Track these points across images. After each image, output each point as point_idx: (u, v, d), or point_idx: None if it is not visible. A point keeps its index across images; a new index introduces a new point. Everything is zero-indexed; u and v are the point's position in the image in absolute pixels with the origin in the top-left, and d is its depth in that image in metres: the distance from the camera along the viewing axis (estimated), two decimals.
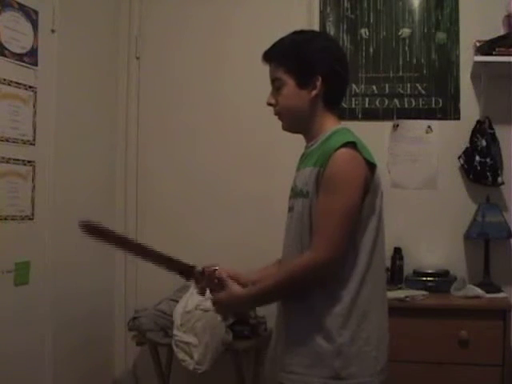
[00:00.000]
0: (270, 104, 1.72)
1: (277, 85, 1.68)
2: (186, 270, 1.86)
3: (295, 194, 1.69)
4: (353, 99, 3.08)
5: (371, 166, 1.57)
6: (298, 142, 3.04)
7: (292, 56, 1.67)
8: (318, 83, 1.63)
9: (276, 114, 1.74)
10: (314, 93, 1.64)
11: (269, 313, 2.93)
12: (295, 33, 1.73)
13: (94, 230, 1.72)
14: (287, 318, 1.66)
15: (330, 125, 1.68)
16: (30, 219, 2.55)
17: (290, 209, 1.71)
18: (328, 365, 1.54)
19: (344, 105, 3.08)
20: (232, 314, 1.71)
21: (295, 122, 1.71)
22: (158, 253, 1.79)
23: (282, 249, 1.76)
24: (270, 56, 1.72)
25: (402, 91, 3.05)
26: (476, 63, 2.79)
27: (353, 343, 1.54)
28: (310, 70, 1.64)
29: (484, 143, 2.84)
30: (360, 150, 1.56)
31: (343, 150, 1.54)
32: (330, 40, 1.82)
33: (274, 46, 1.73)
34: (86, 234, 1.69)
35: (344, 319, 1.54)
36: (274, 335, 1.81)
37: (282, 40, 1.73)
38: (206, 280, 1.84)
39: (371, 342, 1.56)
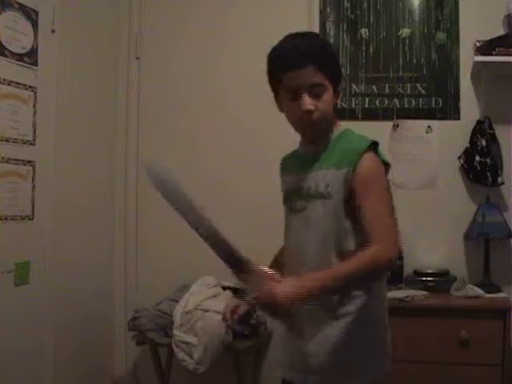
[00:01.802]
0: (310, 111, 1.61)
1: (317, 90, 1.61)
2: (236, 260, 1.79)
3: (308, 195, 1.66)
4: (353, 99, 3.08)
5: (387, 167, 1.65)
6: (297, 143, 3.06)
7: (332, 61, 1.66)
8: (340, 89, 1.71)
9: (315, 119, 1.63)
10: (338, 98, 1.70)
11: None
12: (316, 35, 1.73)
13: (160, 184, 1.70)
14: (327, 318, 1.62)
15: (337, 128, 1.72)
16: (30, 219, 2.55)
17: (299, 210, 1.69)
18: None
19: (344, 105, 3.08)
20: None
21: (325, 128, 1.68)
22: (215, 231, 1.79)
23: (288, 249, 1.77)
24: (310, 59, 1.60)
25: (401, 91, 3.05)
26: (476, 63, 2.79)
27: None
28: (340, 77, 1.71)
29: (484, 143, 2.84)
30: (380, 152, 1.64)
31: (374, 156, 1.60)
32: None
33: (308, 49, 1.62)
34: (148, 179, 1.65)
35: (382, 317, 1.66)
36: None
37: (313, 43, 1.66)
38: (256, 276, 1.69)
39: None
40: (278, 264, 1.87)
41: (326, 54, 1.65)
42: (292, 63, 1.61)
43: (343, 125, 1.76)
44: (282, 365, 1.76)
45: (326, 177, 1.62)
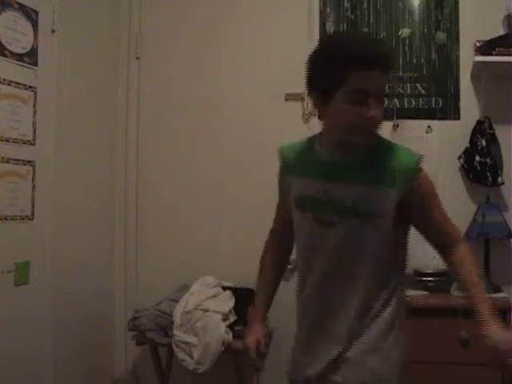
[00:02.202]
0: (375, 118, 1.53)
1: (382, 97, 1.56)
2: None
3: (345, 210, 1.55)
4: None
5: None
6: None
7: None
8: None
9: (375, 128, 1.58)
10: None
11: (269, 313, 2.94)
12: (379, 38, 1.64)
13: None
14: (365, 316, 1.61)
15: None
16: (29, 219, 2.55)
17: (330, 225, 1.58)
18: None
19: None
20: None
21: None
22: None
23: (314, 263, 1.63)
24: (390, 65, 1.53)
25: (401, 91, 3.05)
26: (476, 63, 2.79)
27: None
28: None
29: (484, 143, 2.84)
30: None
31: (424, 172, 1.60)
32: None
33: (388, 54, 1.53)
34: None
35: None
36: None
37: (385, 47, 1.59)
38: None
39: None
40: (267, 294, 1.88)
41: (392, 61, 1.57)
42: (372, 64, 1.47)
43: None
44: (295, 366, 1.74)
45: (373, 194, 1.54)
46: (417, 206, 1.58)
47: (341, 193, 1.56)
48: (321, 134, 1.65)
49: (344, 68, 1.48)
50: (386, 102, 3.07)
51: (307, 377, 1.67)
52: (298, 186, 1.67)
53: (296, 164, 1.71)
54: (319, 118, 1.61)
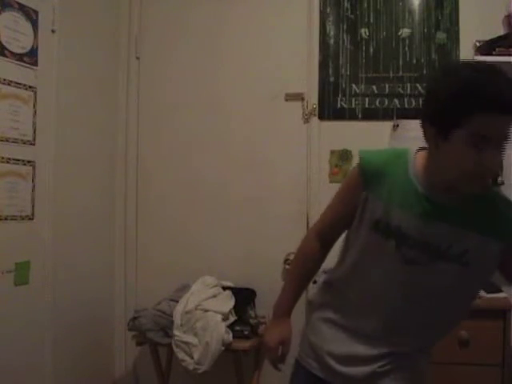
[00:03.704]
0: (495, 168, 1.36)
1: (505, 145, 1.35)
2: None
3: (434, 251, 1.46)
4: (353, 99, 3.08)
5: None
6: (297, 145, 3.07)
7: None
8: None
9: (490, 177, 1.43)
10: None
11: (269, 313, 2.94)
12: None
13: None
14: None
15: None
16: (30, 219, 2.55)
17: (414, 262, 1.47)
18: None
19: (344, 105, 3.08)
20: None
21: None
22: None
23: (383, 293, 1.53)
24: None
25: (401, 91, 3.05)
26: None
27: None
28: None
29: None
30: None
31: None
32: None
33: None
34: None
35: None
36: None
37: None
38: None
39: None
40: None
41: None
42: (502, 106, 1.30)
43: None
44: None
45: (468, 240, 1.44)
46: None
47: (436, 233, 1.45)
48: (424, 167, 1.49)
49: (474, 107, 1.32)
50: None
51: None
52: (384, 210, 1.51)
53: (384, 182, 1.52)
54: (429, 150, 1.46)
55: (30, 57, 2.54)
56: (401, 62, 3.05)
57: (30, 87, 2.54)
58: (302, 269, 1.78)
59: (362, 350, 1.56)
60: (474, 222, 1.44)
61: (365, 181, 1.53)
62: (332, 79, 3.10)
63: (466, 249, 1.44)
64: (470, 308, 1.62)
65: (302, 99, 3.07)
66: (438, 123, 1.37)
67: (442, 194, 1.44)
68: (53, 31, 2.67)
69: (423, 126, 1.42)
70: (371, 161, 1.55)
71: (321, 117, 3.09)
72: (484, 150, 1.32)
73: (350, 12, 3.11)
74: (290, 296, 1.78)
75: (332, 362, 1.59)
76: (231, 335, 2.71)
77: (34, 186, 2.57)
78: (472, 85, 1.32)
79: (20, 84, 2.48)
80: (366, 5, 3.09)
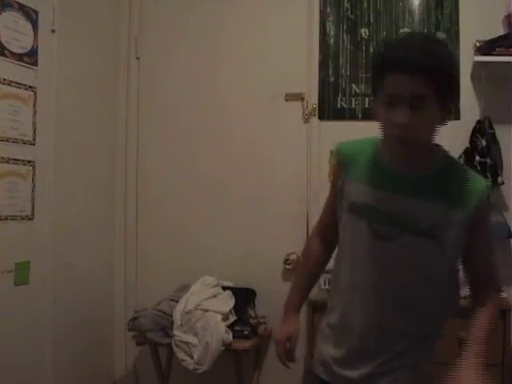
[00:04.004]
0: (404, 125, 1.39)
1: (418, 103, 1.38)
2: None
3: (404, 225, 1.48)
4: (353, 99, 3.08)
5: None
6: (297, 144, 3.06)
7: (450, 76, 1.41)
8: (451, 109, 1.47)
9: (404, 136, 1.41)
10: (446, 119, 1.46)
11: (269, 313, 2.94)
12: (437, 41, 1.47)
13: None
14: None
15: (435, 149, 1.54)
16: (29, 219, 2.55)
17: (388, 238, 1.50)
18: None
19: (344, 105, 3.08)
20: None
21: (422, 148, 1.47)
22: None
23: (358, 275, 1.57)
24: (422, 67, 1.36)
25: None
26: (476, 63, 2.78)
27: None
28: (456, 96, 1.46)
29: (484, 143, 2.84)
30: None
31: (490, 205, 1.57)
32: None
33: (427, 55, 1.37)
34: None
35: None
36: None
37: (434, 50, 1.40)
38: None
39: None
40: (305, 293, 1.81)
41: (444, 67, 1.39)
42: (401, 65, 1.37)
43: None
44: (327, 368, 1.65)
45: (434, 213, 1.46)
46: (473, 232, 1.50)
47: (404, 207, 1.48)
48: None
49: (381, 66, 1.42)
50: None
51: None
52: (357, 191, 1.56)
53: (356, 166, 1.59)
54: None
55: (30, 57, 2.54)
56: None
57: (30, 87, 2.54)
58: (304, 270, 1.82)
59: (357, 346, 1.57)
60: (439, 195, 1.47)
61: (340, 167, 1.63)
62: (332, 79, 3.10)
63: (434, 221, 1.46)
64: (454, 292, 1.62)
65: (302, 99, 3.07)
66: (372, 86, 1.50)
67: (404, 166, 1.50)
68: (53, 31, 2.67)
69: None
70: (344, 148, 1.65)
71: (321, 117, 3.09)
72: (393, 108, 1.39)
73: (350, 12, 3.11)
74: (296, 295, 1.80)
75: (334, 366, 1.60)
76: (231, 335, 2.71)
77: (33, 186, 2.57)
78: (384, 47, 1.46)
79: (20, 84, 2.48)
80: (366, 5, 3.09)
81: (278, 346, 1.74)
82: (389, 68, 1.39)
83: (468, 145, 2.89)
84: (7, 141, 2.42)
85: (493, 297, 1.58)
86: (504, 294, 2.69)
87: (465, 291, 2.65)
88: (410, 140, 1.41)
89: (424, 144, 1.46)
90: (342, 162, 1.63)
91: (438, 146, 1.54)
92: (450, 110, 1.47)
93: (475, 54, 2.77)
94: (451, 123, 3.15)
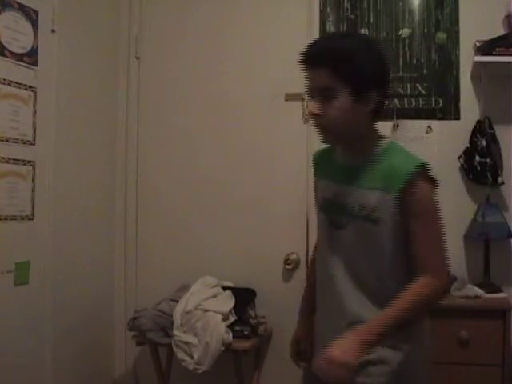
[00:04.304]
0: (314, 114, 1.54)
1: (327, 94, 1.51)
2: None
3: (349, 213, 1.59)
4: None
5: (437, 185, 1.61)
6: (297, 144, 3.06)
7: (351, 65, 1.51)
8: (373, 98, 1.55)
9: (319, 125, 1.56)
10: (368, 108, 1.55)
11: (269, 313, 2.94)
12: (346, 36, 1.60)
13: None
14: None
15: (377, 139, 1.63)
16: (29, 219, 2.55)
17: (339, 226, 1.61)
18: None
19: None
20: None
21: (342, 136, 1.58)
22: None
23: (322, 266, 1.68)
24: (321, 60, 1.51)
25: (401, 91, 3.05)
26: (476, 63, 2.78)
27: None
28: (369, 83, 1.53)
29: (484, 143, 2.84)
30: (431, 173, 1.58)
31: (424, 181, 1.54)
32: (382, 49, 1.63)
33: (323, 49, 1.54)
34: None
35: None
36: None
37: (334, 43, 1.56)
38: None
39: None
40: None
41: (344, 57, 1.50)
42: (306, 62, 1.55)
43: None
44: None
45: (368, 198, 1.55)
46: (406, 214, 1.53)
47: (349, 197, 1.59)
48: None
49: (300, 65, 1.60)
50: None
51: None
52: (320, 189, 1.74)
53: (321, 166, 1.77)
54: None
55: (30, 57, 2.54)
56: (401, 62, 3.05)
57: (29, 87, 2.54)
58: (309, 277, 1.93)
59: (325, 334, 1.64)
60: (374, 181, 1.55)
61: (314, 172, 1.80)
62: None
63: (372, 207, 1.54)
64: (404, 274, 1.59)
65: (302, 99, 3.06)
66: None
67: (348, 157, 1.63)
68: (53, 31, 2.67)
69: None
70: (315, 154, 1.83)
71: None
72: (309, 101, 1.56)
73: (349, 12, 3.11)
74: (303, 301, 1.91)
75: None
76: (231, 335, 2.71)
77: (33, 186, 2.57)
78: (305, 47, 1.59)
79: (20, 84, 2.48)
80: (365, 5, 3.09)
81: (290, 347, 1.87)
82: (301, 65, 1.57)
83: (468, 145, 2.90)
84: (7, 141, 2.42)
85: (422, 280, 1.51)
86: (504, 294, 2.70)
87: (465, 291, 2.67)
88: (325, 129, 1.55)
89: (349, 134, 1.56)
90: (313, 168, 1.81)
91: (380, 136, 1.63)
92: (368, 98, 1.54)
93: (475, 54, 2.77)
94: (451, 123, 3.19)
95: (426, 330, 1.67)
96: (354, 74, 1.50)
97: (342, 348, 1.43)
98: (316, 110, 1.53)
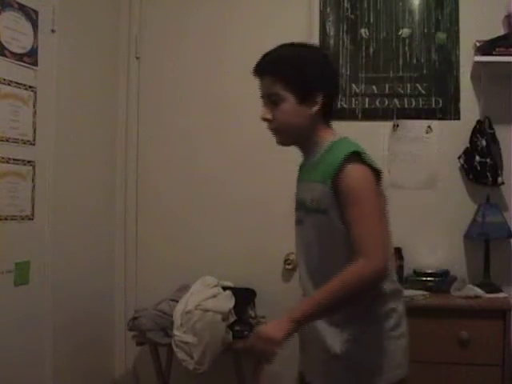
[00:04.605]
0: (266, 119, 1.69)
1: (274, 99, 1.66)
2: None
3: (305, 207, 1.68)
4: (353, 99, 3.08)
5: (377, 173, 1.60)
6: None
7: (292, 71, 1.65)
8: (319, 99, 1.64)
9: (272, 129, 1.70)
10: (314, 109, 1.65)
11: (269, 313, 2.94)
12: (290, 45, 1.72)
13: None
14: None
15: (329, 137, 1.69)
16: (29, 219, 2.55)
17: (299, 222, 1.71)
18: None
19: (344, 105, 3.08)
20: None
21: (293, 137, 1.71)
22: None
23: (298, 263, 1.76)
24: (265, 70, 1.68)
25: (401, 91, 3.05)
26: (476, 63, 2.79)
27: None
28: (312, 86, 1.64)
29: (484, 143, 2.84)
30: (365, 159, 1.58)
31: (354, 165, 1.56)
32: (326, 54, 1.79)
33: (268, 59, 1.69)
34: None
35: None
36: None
37: (277, 53, 1.70)
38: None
39: None
40: None
41: (284, 65, 1.66)
42: (255, 73, 1.70)
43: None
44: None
45: (315, 190, 1.63)
46: (339, 202, 1.57)
47: (302, 192, 1.72)
48: None
49: None
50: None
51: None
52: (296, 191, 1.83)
53: (299, 170, 1.85)
54: None
55: (30, 57, 2.54)
56: (401, 62, 3.05)
57: (30, 87, 2.54)
58: None
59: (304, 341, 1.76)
60: (316, 174, 1.64)
61: None
62: None
63: (318, 199, 1.61)
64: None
65: None
66: None
67: (304, 156, 1.76)
68: (53, 31, 2.67)
69: None
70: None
71: None
72: (262, 107, 1.69)
73: (350, 12, 3.11)
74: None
75: None
76: (231, 335, 2.71)
77: (33, 186, 2.57)
78: None
79: (20, 84, 2.48)
80: (365, 5, 3.09)
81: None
82: (254, 76, 1.71)
83: (468, 145, 2.90)
84: (7, 141, 2.42)
85: (356, 263, 1.52)
86: (504, 294, 2.70)
87: (465, 291, 2.67)
88: (277, 132, 1.69)
89: (299, 134, 1.68)
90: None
91: (333, 134, 1.70)
92: (313, 100, 1.64)
93: (475, 54, 2.77)
94: (451, 123, 3.19)
95: (385, 313, 1.65)
96: (295, 79, 1.63)
97: (272, 325, 1.53)
98: (266, 116, 1.67)
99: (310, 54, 1.71)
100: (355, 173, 1.56)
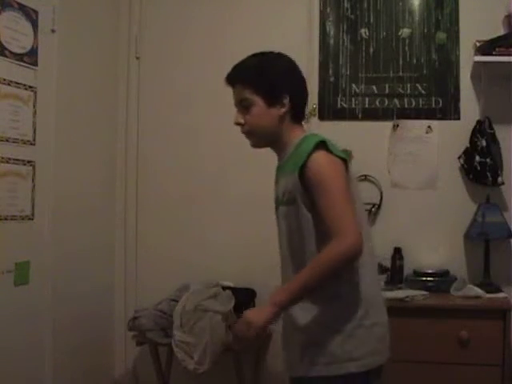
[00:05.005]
0: (238, 123, 1.78)
1: (245, 105, 1.75)
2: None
3: (277, 202, 1.80)
4: (353, 99, 3.08)
5: (344, 161, 1.68)
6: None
7: (259, 77, 1.74)
8: (286, 101, 1.74)
9: (245, 132, 1.80)
10: (282, 110, 1.74)
11: None
12: (256, 55, 1.81)
13: None
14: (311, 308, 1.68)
15: (299, 136, 1.77)
16: (29, 219, 2.55)
17: (276, 217, 1.83)
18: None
19: (344, 105, 3.08)
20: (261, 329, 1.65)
21: (265, 138, 1.81)
22: None
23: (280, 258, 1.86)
24: (235, 79, 1.79)
25: (401, 91, 3.05)
26: (476, 63, 2.79)
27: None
28: (278, 89, 1.74)
29: (484, 143, 2.84)
30: (331, 149, 1.65)
31: (319, 152, 1.64)
32: (291, 60, 1.85)
33: (236, 69, 1.81)
34: None
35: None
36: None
37: (244, 63, 1.81)
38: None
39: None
40: None
41: (251, 72, 1.76)
42: (227, 82, 1.82)
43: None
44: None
45: (286, 184, 1.72)
46: (310, 189, 1.64)
47: (277, 190, 1.83)
48: None
49: None
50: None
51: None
52: None
53: None
54: None
55: (30, 57, 2.54)
56: (401, 62, 3.05)
57: (30, 87, 2.54)
58: None
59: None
60: (287, 168, 1.73)
61: None
62: (332, 79, 3.10)
63: (288, 191, 1.70)
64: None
65: None
66: None
67: (279, 157, 1.83)
68: (53, 31, 2.67)
69: None
70: None
71: (321, 117, 3.09)
72: (236, 113, 1.80)
73: (349, 12, 3.11)
74: None
75: None
76: (231, 335, 2.70)
77: (33, 186, 2.57)
78: None
79: (20, 84, 2.48)
80: (365, 5, 3.09)
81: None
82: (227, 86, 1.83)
83: (468, 145, 2.90)
84: (7, 141, 2.42)
85: (329, 245, 1.57)
86: (504, 294, 2.70)
87: (465, 291, 2.67)
88: (250, 134, 1.80)
89: (269, 135, 1.77)
90: None
91: (303, 133, 1.78)
92: (281, 102, 1.73)
93: (475, 54, 2.77)
94: (451, 123, 3.20)
95: (353, 301, 1.67)
96: (262, 84, 1.73)
97: (254, 310, 1.74)
98: (238, 120, 1.78)
99: (275, 61, 1.80)
100: (321, 159, 1.64)
